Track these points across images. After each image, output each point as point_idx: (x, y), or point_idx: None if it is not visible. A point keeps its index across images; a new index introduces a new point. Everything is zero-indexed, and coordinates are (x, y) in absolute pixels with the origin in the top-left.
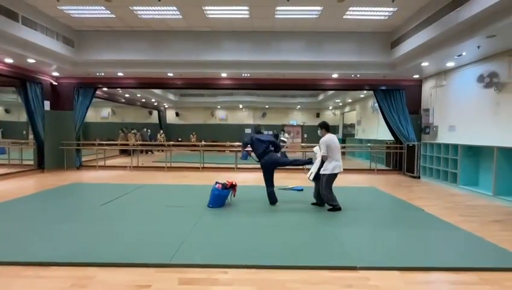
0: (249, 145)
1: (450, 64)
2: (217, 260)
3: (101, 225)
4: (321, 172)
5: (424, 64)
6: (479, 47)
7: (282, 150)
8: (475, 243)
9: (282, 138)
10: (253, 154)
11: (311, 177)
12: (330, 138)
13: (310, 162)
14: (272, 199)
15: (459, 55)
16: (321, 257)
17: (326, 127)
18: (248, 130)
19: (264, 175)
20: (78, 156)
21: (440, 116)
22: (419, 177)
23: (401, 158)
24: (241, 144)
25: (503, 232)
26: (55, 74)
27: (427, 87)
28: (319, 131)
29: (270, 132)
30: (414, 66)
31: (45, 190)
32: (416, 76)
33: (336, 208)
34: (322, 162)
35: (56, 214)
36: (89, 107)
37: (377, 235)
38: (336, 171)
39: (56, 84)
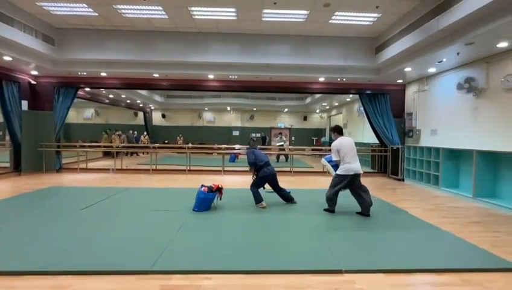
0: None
1: (432, 70)
2: (200, 266)
3: (79, 230)
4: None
5: (407, 69)
6: (458, 54)
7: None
8: (456, 244)
9: (280, 142)
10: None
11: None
12: (340, 141)
13: (292, 199)
14: (258, 199)
15: (440, 62)
16: (307, 261)
17: (338, 131)
18: (236, 133)
19: (258, 182)
20: (58, 158)
21: (422, 120)
22: (403, 180)
23: (386, 161)
24: (248, 162)
25: (482, 233)
26: (34, 72)
27: (410, 92)
28: (332, 135)
29: (258, 135)
30: (397, 71)
31: (22, 193)
32: (399, 81)
33: (329, 209)
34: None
35: (32, 219)
36: (70, 107)
37: (363, 238)
38: (345, 173)
39: (35, 83)
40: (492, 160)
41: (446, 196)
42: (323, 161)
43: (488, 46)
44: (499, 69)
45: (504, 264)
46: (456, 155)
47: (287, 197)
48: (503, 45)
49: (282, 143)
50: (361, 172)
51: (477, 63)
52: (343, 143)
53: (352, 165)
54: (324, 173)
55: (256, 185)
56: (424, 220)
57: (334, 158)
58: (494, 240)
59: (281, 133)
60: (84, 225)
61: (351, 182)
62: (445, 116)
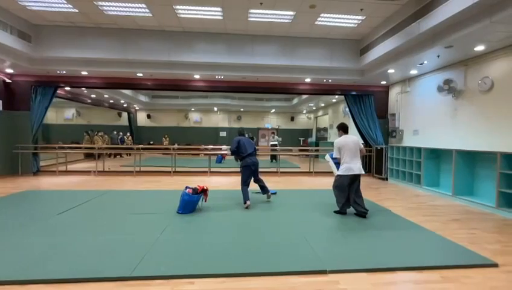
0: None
1: (413, 71)
2: (183, 270)
3: (55, 236)
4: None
5: (390, 71)
6: (438, 56)
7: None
8: (437, 242)
9: (274, 142)
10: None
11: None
12: (342, 139)
13: (268, 192)
14: (244, 198)
15: (421, 64)
16: (292, 262)
17: (343, 129)
18: (223, 134)
19: (244, 175)
20: (35, 161)
21: (405, 121)
22: (386, 179)
23: (370, 161)
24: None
25: (461, 231)
26: (9, 70)
27: (393, 93)
28: (337, 133)
29: (246, 135)
30: (381, 73)
31: None
32: (383, 82)
33: (340, 211)
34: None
35: (3, 225)
36: (49, 107)
37: (347, 237)
38: (345, 173)
39: (10, 81)
40: (470, 159)
41: (427, 195)
42: (327, 156)
43: (466, 49)
44: (476, 71)
45: (481, 261)
46: (437, 155)
47: (264, 189)
48: (480, 48)
49: (276, 142)
50: (362, 172)
51: (456, 65)
52: (347, 141)
53: (352, 165)
54: (310, 173)
55: (244, 181)
56: (406, 219)
57: (335, 155)
58: (472, 237)
59: (274, 132)
60: (60, 230)
61: (351, 183)
62: (427, 117)
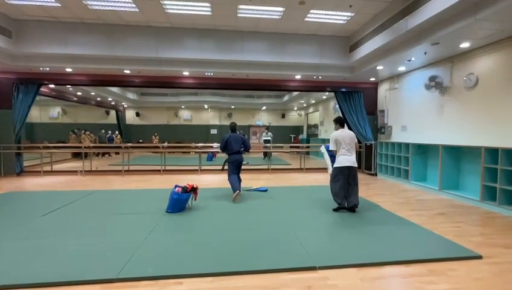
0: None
1: (402, 68)
2: (171, 271)
3: (39, 238)
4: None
5: (379, 68)
6: (425, 53)
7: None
8: (423, 236)
9: (266, 137)
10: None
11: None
12: (339, 132)
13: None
14: (233, 188)
15: (409, 60)
16: (281, 259)
17: (340, 122)
18: (214, 131)
19: (230, 169)
20: (19, 161)
21: (394, 117)
22: (376, 175)
23: (360, 157)
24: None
25: (446, 224)
26: None
27: (382, 90)
28: (334, 126)
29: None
30: (370, 70)
31: None
32: (372, 79)
33: (338, 207)
34: (333, 160)
35: None
36: (32, 105)
37: (337, 233)
38: (341, 165)
39: None
40: (456, 154)
41: (415, 189)
42: (323, 148)
43: (452, 46)
44: (461, 68)
45: (465, 253)
46: (424, 150)
47: (238, 182)
48: (465, 45)
49: (269, 138)
50: (355, 165)
51: (443, 62)
52: (343, 135)
53: (347, 157)
54: (301, 169)
55: (229, 173)
56: (394, 213)
57: (331, 147)
58: (457, 230)
59: (267, 128)
60: (44, 232)
61: (348, 176)
62: (414, 113)
